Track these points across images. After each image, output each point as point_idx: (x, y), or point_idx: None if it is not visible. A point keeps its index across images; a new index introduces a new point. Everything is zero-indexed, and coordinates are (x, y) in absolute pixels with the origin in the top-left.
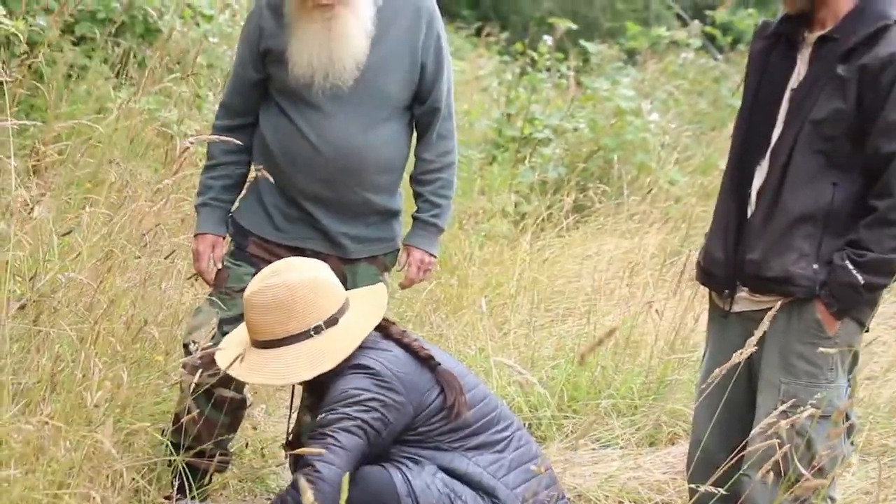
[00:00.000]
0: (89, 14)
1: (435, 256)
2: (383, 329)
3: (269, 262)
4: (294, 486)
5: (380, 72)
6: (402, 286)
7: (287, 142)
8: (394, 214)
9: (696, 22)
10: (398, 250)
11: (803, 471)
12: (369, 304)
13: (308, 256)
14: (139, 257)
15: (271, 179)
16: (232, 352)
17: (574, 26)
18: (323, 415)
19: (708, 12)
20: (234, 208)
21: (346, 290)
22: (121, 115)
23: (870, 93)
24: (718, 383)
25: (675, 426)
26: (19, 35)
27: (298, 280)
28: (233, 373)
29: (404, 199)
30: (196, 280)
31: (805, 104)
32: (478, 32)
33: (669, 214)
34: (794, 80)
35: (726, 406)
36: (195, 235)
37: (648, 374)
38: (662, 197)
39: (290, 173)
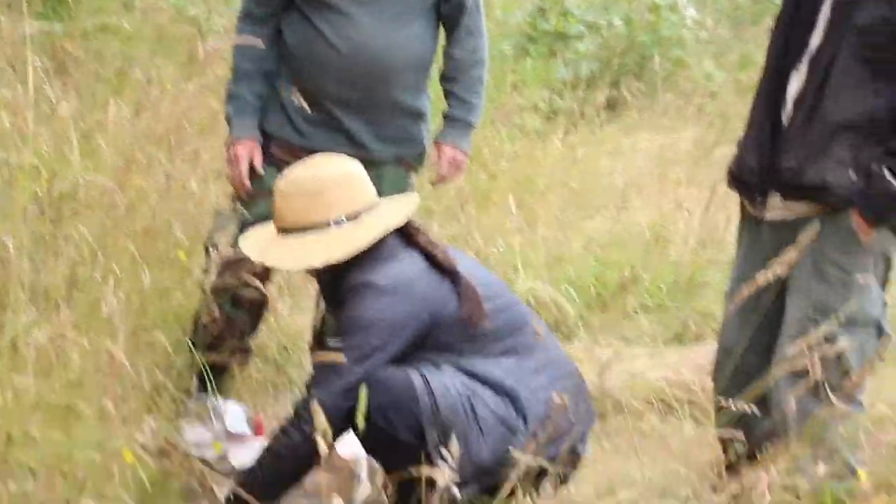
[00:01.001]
0: None
1: (466, 154)
2: (409, 236)
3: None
4: (293, 420)
5: None
6: (433, 183)
7: (311, 48)
8: (420, 116)
9: None
10: (424, 153)
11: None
12: (396, 206)
13: None
14: (161, 163)
15: (305, 105)
16: (254, 238)
17: None
18: (336, 342)
19: None
20: (264, 123)
21: None
22: (148, 11)
23: None
24: (748, 290)
25: (703, 325)
26: None
27: (327, 171)
28: (250, 255)
29: (433, 101)
30: (219, 177)
31: (849, 10)
32: None
33: (705, 110)
34: None
35: (756, 313)
36: (232, 141)
37: (679, 273)
38: (698, 93)
39: (316, 78)
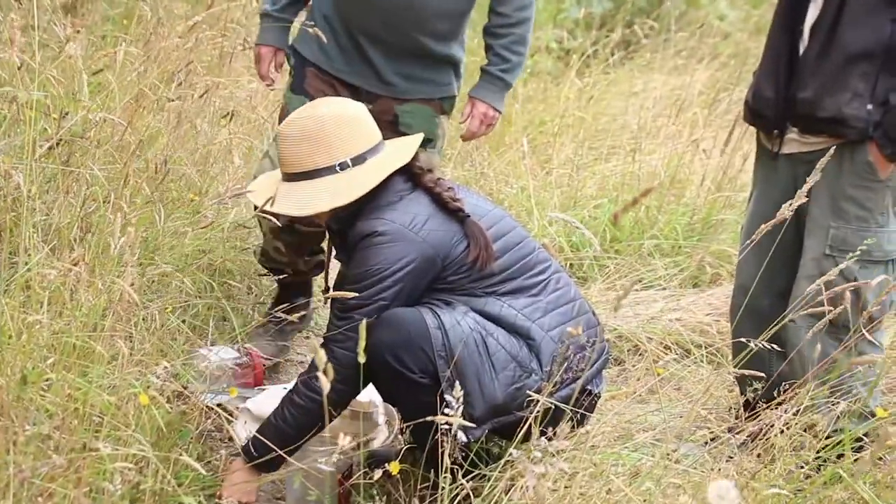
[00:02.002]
0: None
1: (500, 112)
2: (416, 177)
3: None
4: (306, 382)
5: None
6: (464, 139)
7: None
8: (452, 62)
9: None
10: (455, 97)
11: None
12: (400, 146)
13: (362, 97)
14: (172, 100)
15: (324, 39)
16: (261, 184)
17: None
18: (350, 296)
19: None
20: (294, 39)
21: (399, 130)
22: None
23: None
24: (766, 221)
25: (719, 267)
26: None
27: (329, 113)
28: (255, 202)
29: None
30: (231, 119)
31: None
32: None
33: (718, 51)
34: None
35: (773, 251)
36: (256, 44)
37: (694, 215)
38: (712, 32)
39: (351, 12)
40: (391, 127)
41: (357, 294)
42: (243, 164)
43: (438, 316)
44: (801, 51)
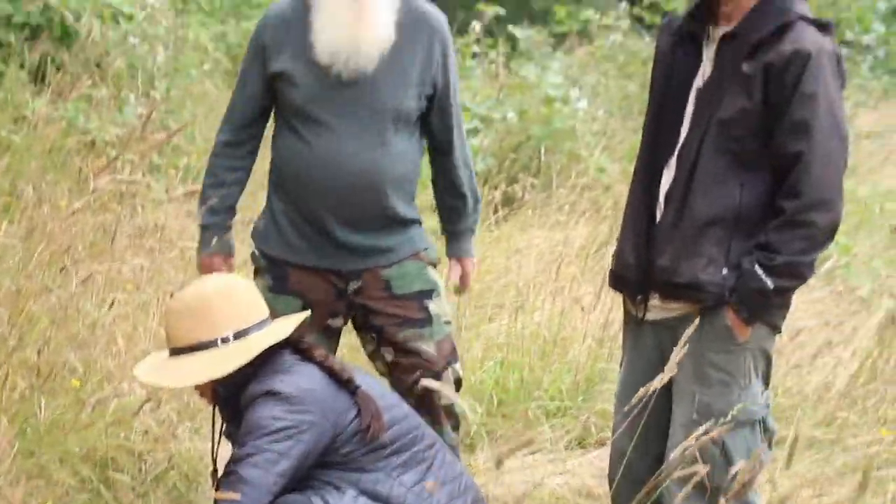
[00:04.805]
0: (4, 19)
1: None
2: (305, 352)
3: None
4: None
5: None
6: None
7: (300, 164)
8: (418, 221)
9: (624, 4)
10: (433, 249)
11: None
12: (285, 322)
13: (350, 277)
14: (52, 290)
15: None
16: (148, 362)
17: (502, 11)
18: (236, 449)
19: None
20: (257, 242)
21: (394, 294)
22: (39, 124)
23: (775, 91)
24: (636, 394)
25: (604, 428)
26: None
27: (213, 289)
28: (139, 378)
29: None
30: (113, 304)
31: (711, 103)
32: None
33: (600, 203)
34: (700, 79)
35: (645, 417)
36: (204, 255)
37: (577, 373)
38: (592, 186)
39: (303, 199)
40: (386, 294)
41: (246, 444)
42: (125, 344)
43: (327, 502)
44: (658, 217)
